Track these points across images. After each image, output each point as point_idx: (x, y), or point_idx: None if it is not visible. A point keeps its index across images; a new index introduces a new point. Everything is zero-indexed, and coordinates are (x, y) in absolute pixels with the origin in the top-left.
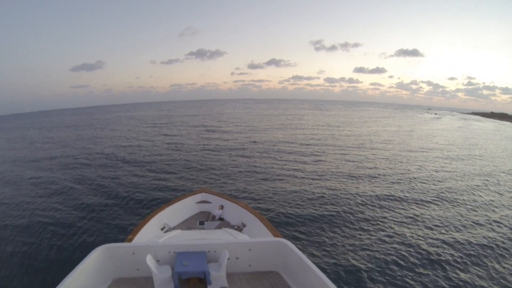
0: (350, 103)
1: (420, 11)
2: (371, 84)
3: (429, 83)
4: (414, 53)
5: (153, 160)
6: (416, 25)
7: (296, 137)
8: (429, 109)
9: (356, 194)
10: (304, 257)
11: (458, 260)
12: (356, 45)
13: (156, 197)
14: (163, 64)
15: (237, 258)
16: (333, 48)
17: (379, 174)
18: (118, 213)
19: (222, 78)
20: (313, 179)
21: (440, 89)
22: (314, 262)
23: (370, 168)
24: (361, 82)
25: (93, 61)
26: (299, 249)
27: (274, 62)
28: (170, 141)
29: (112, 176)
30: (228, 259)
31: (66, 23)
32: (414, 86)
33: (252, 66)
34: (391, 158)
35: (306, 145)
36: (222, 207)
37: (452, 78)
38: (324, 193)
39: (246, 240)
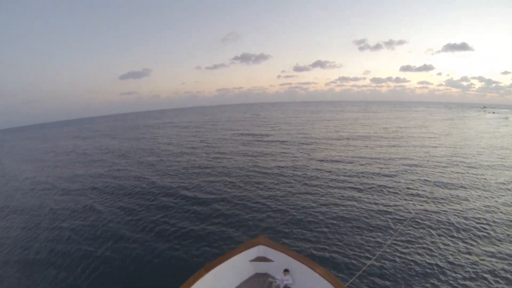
0: (398, 103)
1: (466, 1)
2: (419, 82)
3: (480, 78)
4: (463, 47)
5: (188, 186)
6: (463, 16)
7: (355, 148)
8: (484, 107)
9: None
10: None
11: None
12: (401, 42)
13: (191, 252)
14: (209, 69)
15: None
16: (377, 47)
17: (476, 205)
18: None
19: (268, 82)
20: (390, 214)
21: (494, 84)
22: None
23: (462, 199)
24: (409, 81)
25: (140, 69)
26: None
27: (319, 64)
28: (211, 158)
29: (135, 211)
30: None
31: (113, 33)
32: (464, 83)
33: (298, 69)
34: (483, 182)
35: (369, 159)
36: (288, 272)
37: (505, 72)
38: (418, 248)
39: None
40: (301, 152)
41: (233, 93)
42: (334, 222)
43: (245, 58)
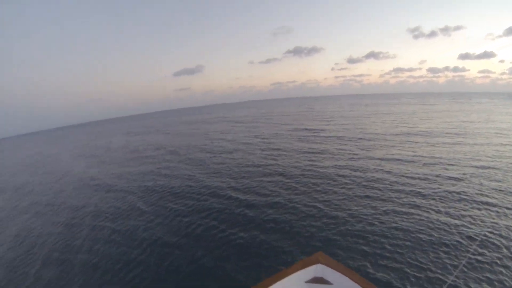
0: (457, 94)
1: None
2: (480, 71)
3: None
4: None
5: (239, 186)
6: None
7: (416, 145)
8: None
9: None
10: None
11: None
12: (457, 28)
13: (236, 263)
14: (262, 64)
15: None
16: (432, 34)
17: None
18: None
19: (322, 75)
20: (459, 226)
21: None
22: None
23: None
24: (468, 70)
25: (193, 66)
26: None
27: (373, 55)
28: (265, 154)
29: (179, 212)
30: None
31: (165, 32)
32: None
33: (351, 61)
34: None
35: (432, 158)
36: None
37: None
38: None
39: None
40: (359, 149)
41: (287, 86)
42: (396, 233)
43: (297, 51)
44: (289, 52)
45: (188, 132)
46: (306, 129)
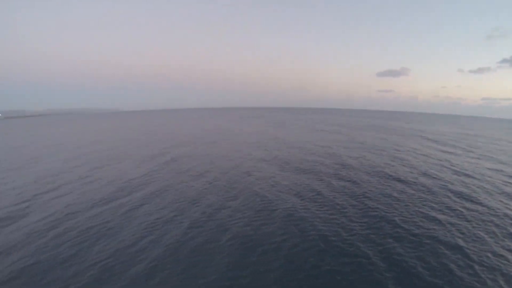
0: None
1: None
2: None
3: None
4: None
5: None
6: None
7: None
8: None
9: None
10: None
11: None
12: None
13: None
14: (472, 73)
15: None
16: None
17: None
18: None
19: None
20: None
21: None
22: None
23: None
24: None
25: (397, 68)
26: None
27: None
28: (451, 201)
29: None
30: None
31: (371, 30)
32: None
33: None
34: None
35: None
36: None
37: None
38: None
39: None
40: None
41: (500, 104)
42: None
43: None
44: (505, 61)
45: (375, 142)
46: None
